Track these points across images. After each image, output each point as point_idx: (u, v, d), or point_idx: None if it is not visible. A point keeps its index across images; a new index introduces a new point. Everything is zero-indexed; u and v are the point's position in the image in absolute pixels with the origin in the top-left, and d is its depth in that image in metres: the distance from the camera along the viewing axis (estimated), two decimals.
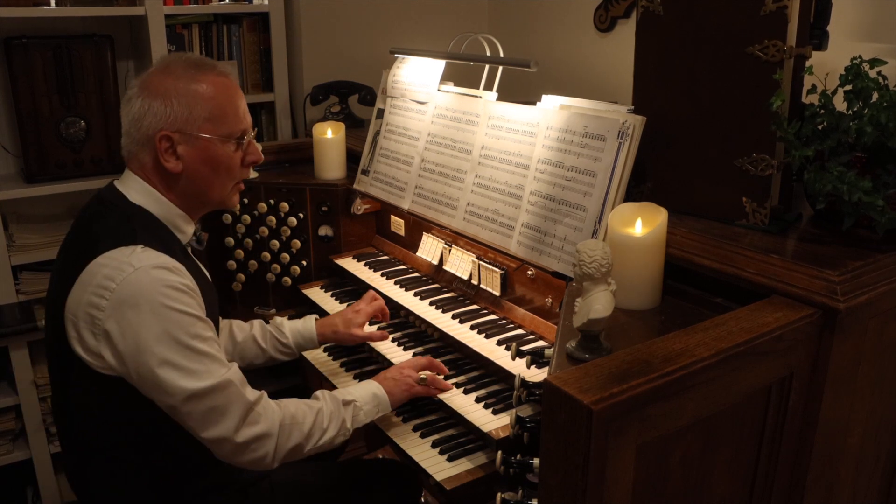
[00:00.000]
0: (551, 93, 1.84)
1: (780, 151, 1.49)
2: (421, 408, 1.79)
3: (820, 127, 1.47)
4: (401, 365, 1.77)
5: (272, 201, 2.37)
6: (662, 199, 1.54)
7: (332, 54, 3.02)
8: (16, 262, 2.55)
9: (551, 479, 1.08)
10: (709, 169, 1.58)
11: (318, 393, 1.62)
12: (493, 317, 1.94)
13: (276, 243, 2.39)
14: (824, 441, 1.36)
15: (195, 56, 1.55)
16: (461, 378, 1.80)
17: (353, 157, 2.45)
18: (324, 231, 2.41)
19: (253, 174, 2.40)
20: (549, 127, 1.78)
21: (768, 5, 1.42)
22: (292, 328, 1.94)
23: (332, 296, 2.29)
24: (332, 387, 1.88)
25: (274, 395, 1.56)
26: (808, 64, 1.48)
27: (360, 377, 1.93)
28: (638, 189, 1.70)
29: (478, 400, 1.70)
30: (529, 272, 1.85)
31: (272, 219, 2.37)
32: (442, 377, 1.77)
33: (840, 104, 1.45)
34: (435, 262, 2.17)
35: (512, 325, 1.89)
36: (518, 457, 1.37)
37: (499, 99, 1.98)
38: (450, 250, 2.11)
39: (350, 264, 2.34)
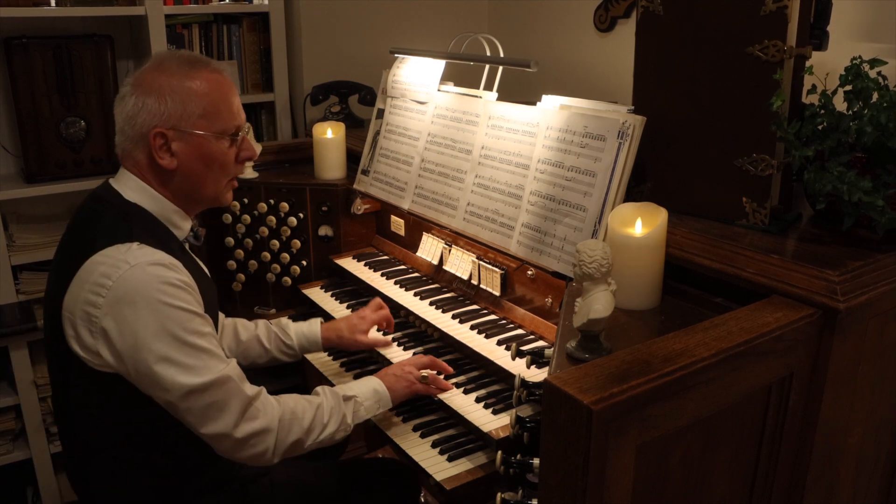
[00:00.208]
0: (551, 93, 1.84)
1: (780, 151, 1.49)
2: (421, 408, 1.79)
3: (820, 127, 1.47)
4: (402, 362, 1.77)
5: (272, 201, 2.37)
6: (662, 199, 1.54)
7: (332, 54, 3.02)
8: (16, 262, 2.55)
9: (551, 479, 1.08)
10: (709, 169, 1.58)
11: (319, 389, 1.62)
12: (493, 317, 1.94)
13: (276, 243, 2.39)
14: (824, 441, 1.36)
15: (188, 53, 1.55)
16: (461, 378, 1.80)
17: (353, 157, 2.45)
18: (324, 231, 2.41)
19: (253, 174, 2.41)
20: (549, 127, 1.78)
21: (768, 5, 1.42)
22: (297, 330, 1.93)
23: (332, 296, 2.29)
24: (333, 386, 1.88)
25: (274, 395, 1.56)
26: (808, 64, 1.48)
27: (361, 377, 1.92)
28: (638, 189, 1.70)
29: (478, 400, 1.70)
30: (529, 272, 1.85)
31: (272, 219, 2.37)
32: (443, 377, 1.77)
33: (840, 104, 1.45)
34: (435, 262, 2.17)
35: (512, 325, 1.89)
36: (518, 457, 1.37)
37: (499, 99, 1.98)
38: (450, 250, 2.11)
39: (350, 264, 2.34)
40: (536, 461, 1.32)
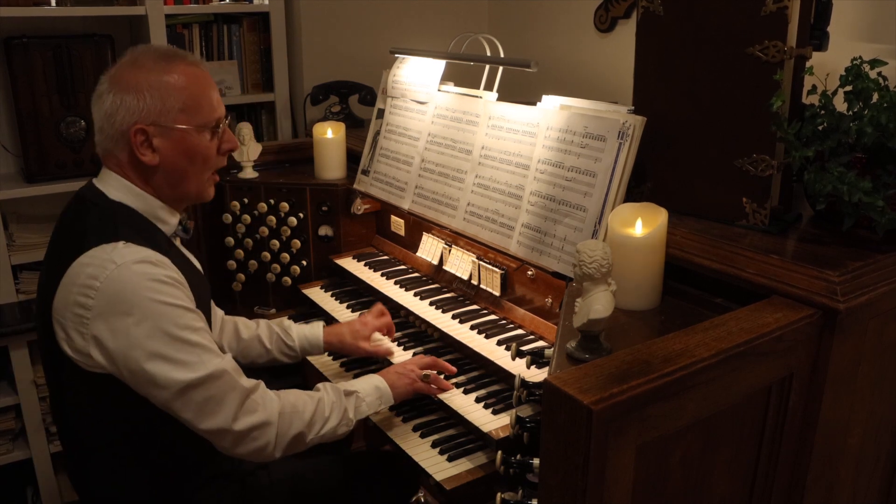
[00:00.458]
0: (551, 93, 1.84)
1: (780, 152, 1.49)
2: (421, 408, 1.79)
3: (820, 127, 1.47)
4: (405, 362, 1.77)
5: (272, 201, 2.37)
6: (662, 200, 1.54)
7: (332, 54, 3.02)
8: (16, 262, 2.55)
9: (551, 479, 1.08)
10: (709, 169, 1.59)
11: (320, 385, 1.62)
12: (493, 317, 1.94)
13: (276, 243, 2.39)
14: (824, 441, 1.36)
15: (163, 47, 1.54)
16: (461, 378, 1.80)
17: (353, 157, 2.45)
18: (324, 231, 2.41)
19: (253, 174, 2.41)
20: (550, 127, 1.78)
21: (768, 6, 1.43)
22: (299, 333, 1.93)
23: (332, 296, 2.29)
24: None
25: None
26: (808, 64, 1.48)
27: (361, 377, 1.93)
28: (638, 189, 1.70)
29: (478, 400, 1.70)
30: (529, 272, 1.85)
31: (272, 219, 2.37)
32: (443, 377, 1.77)
33: (840, 105, 1.45)
34: (435, 262, 2.17)
35: (512, 325, 1.89)
36: (518, 457, 1.37)
37: (499, 99, 1.98)
38: (450, 250, 2.11)
39: (350, 264, 2.34)
40: (536, 461, 1.32)
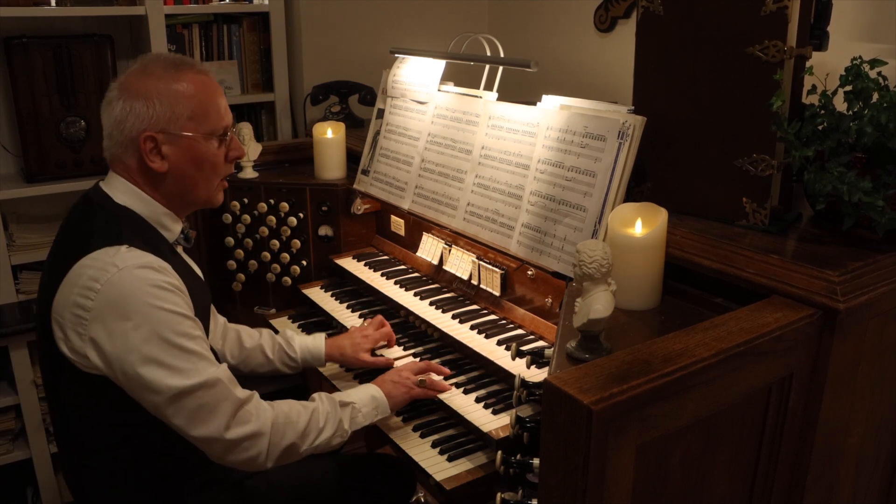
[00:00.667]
0: (551, 93, 1.84)
1: (780, 152, 1.49)
2: (421, 408, 1.79)
3: (820, 127, 1.47)
4: (399, 368, 1.77)
5: (272, 201, 2.37)
6: (662, 199, 1.54)
7: (332, 54, 3.02)
8: (16, 262, 2.55)
9: (551, 479, 1.08)
10: (709, 169, 1.59)
11: (315, 395, 1.62)
12: (493, 317, 1.94)
13: (276, 243, 2.39)
14: (824, 441, 1.36)
15: (172, 55, 1.56)
16: (461, 378, 1.80)
17: (353, 157, 2.45)
18: (324, 231, 2.41)
19: (253, 174, 2.41)
20: (550, 127, 1.78)
21: (768, 5, 1.43)
22: (302, 345, 1.93)
23: (332, 296, 2.29)
24: (333, 388, 1.88)
25: (274, 396, 1.56)
26: (808, 64, 1.48)
27: (361, 378, 1.93)
28: (638, 189, 1.70)
29: (478, 400, 1.70)
30: (529, 272, 1.85)
31: (272, 219, 2.37)
32: (441, 378, 1.77)
33: (840, 105, 1.45)
34: (435, 262, 2.17)
35: (512, 325, 1.89)
36: (518, 457, 1.37)
37: (499, 99, 1.98)
38: (450, 250, 2.11)
39: (350, 264, 2.34)
40: (536, 461, 1.32)
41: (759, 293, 1.35)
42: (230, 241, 2.42)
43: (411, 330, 2.04)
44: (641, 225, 1.46)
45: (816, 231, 1.53)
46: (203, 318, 1.52)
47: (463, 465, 1.58)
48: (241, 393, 1.45)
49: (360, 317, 2.14)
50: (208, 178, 1.55)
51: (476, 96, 2.05)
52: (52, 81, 2.52)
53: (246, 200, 2.38)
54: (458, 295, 2.07)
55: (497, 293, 1.96)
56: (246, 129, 2.39)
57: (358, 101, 2.89)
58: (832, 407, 1.34)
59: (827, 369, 1.30)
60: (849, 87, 1.44)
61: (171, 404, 1.37)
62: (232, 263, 2.43)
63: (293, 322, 2.24)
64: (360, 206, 2.37)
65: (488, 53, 2.11)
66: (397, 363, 1.87)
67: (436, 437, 1.68)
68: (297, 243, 2.38)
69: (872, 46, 1.84)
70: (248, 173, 2.40)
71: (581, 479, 1.03)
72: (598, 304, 1.25)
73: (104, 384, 1.39)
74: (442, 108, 2.13)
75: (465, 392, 1.74)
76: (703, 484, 1.23)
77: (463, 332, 1.87)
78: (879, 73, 1.43)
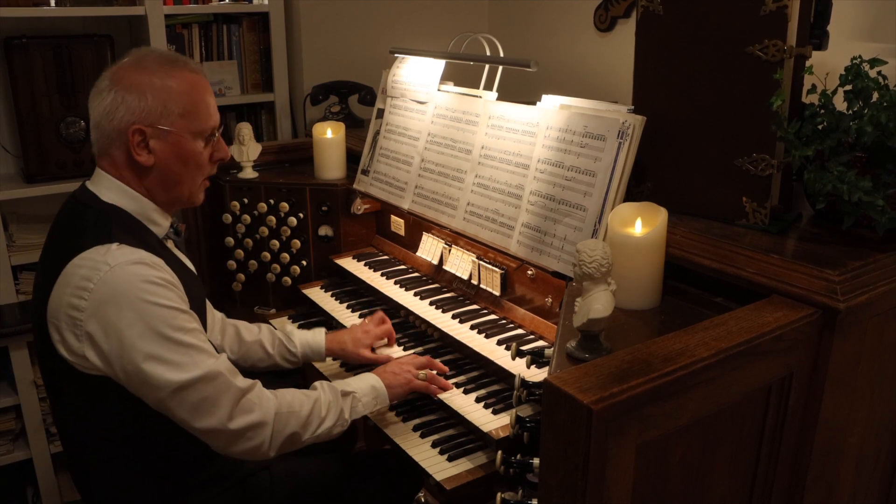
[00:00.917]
0: (551, 93, 1.83)
1: (780, 151, 1.49)
2: (421, 408, 1.79)
3: (820, 127, 1.47)
4: (400, 360, 1.77)
5: (272, 201, 2.37)
6: (662, 199, 1.54)
7: (332, 54, 3.02)
8: (16, 262, 2.56)
9: (551, 479, 1.08)
10: (709, 169, 1.58)
11: (317, 383, 1.62)
12: (493, 317, 1.94)
13: (276, 243, 2.39)
14: (824, 441, 1.36)
15: (166, 52, 1.56)
16: (461, 378, 1.80)
17: (353, 157, 2.45)
18: (324, 231, 2.41)
19: (253, 174, 2.41)
20: (549, 127, 1.78)
21: (768, 5, 1.42)
22: (302, 339, 1.93)
23: (332, 296, 2.29)
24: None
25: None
26: (808, 64, 1.48)
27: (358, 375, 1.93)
28: (638, 189, 1.70)
29: (478, 400, 1.70)
30: (529, 272, 1.85)
31: (272, 219, 2.37)
32: (442, 376, 1.77)
33: (840, 104, 1.45)
34: (435, 262, 2.17)
35: (512, 325, 1.89)
36: (518, 457, 1.37)
37: (499, 99, 1.98)
38: (450, 250, 2.11)
39: (350, 264, 2.34)
40: (536, 461, 1.32)
41: (759, 293, 1.35)
42: (230, 241, 2.42)
43: (411, 330, 2.04)
44: (641, 224, 1.46)
45: (816, 230, 1.53)
46: (198, 310, 1.52)
47: (463, 465, 1.58)
48: (243, 382, 1.45)
49: (360, 317, 2.14)
50: (192, 175, 1.55)
51: (476, 96, 2.05)
52: (52, 81, 2.53)
53: (246, 200, 2.38)
54: (458, 295, 2.07)
55: (497, 293, 1.96)
56: (246, 129, 2.39)
57: (358, 101, 2.89)
58: (832, 407, 1.34)
59: (827, 369, 1.29)
60: (849, 87, 1.44)
61: (172, 398, 1.37)
62: (232, 263, 2.43)
63: (293, 322, 2.24)
64: (360, 206, 2.37)
65: (488, 53, 2.11)
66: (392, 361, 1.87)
67: (436, 436, 1.68)
68: (297, 243, 2.38)
69: (872, 46, 1.84)
70: (248, 173, 2.40)
71: (581, 479, 1.03)
72: (598, 303, 1.25)
73: (105, 384, 1.39)
74: (442, 107, 2.13)
75: (465, 392, 1.74)
76: (703, 484, 1.23)
77: (463, 332, 1.87)
78: (879, 73, 1.43)
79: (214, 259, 2.44)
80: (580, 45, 2.82)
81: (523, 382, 1.48)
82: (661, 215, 1.45)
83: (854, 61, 1.43)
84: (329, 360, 2.03)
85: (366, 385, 1.66)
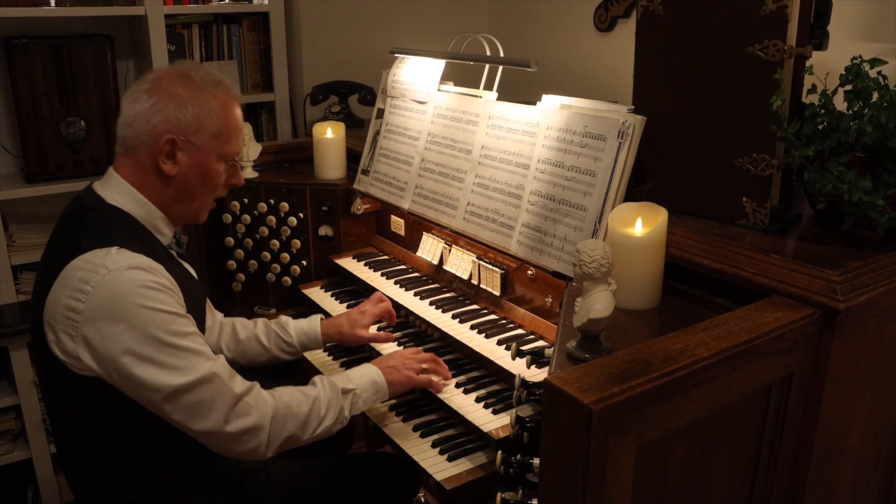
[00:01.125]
0: (551, 93, 1.83)
1: (780, 151, 1.49)
2: (421, 407, 1.79)
3: (820, 127, 1.47)
4: (404, 353, 1.76)
5: (272, 201, 2.37)
6: (662, 199, 1.53)
7: (332, 54, 3.02)
8: (16, 262, 2.56)
9: (551, 479, 1.08)
10: (709, 169, 1.58)
11: (316, 379, 1.61)
12: (493, 317, 1.94)
13: (276, 243, 2.39)
14: (824, 441, 1.36)
15: (212, 70, 1.58)
16: (461, 378, 1.80)
17: (353, 157, 2.45)
18: (324, 231, 2.41)
19: (253, 174, 2.41)
20: (549, 127, 1.78)
21: (768, 5, 1.42)
22: (297, 327, 1.93)
23: (332, 296, 2.29)
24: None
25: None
26: (808, 64, 1.48)
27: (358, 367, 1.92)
28: (638, 189, 1.70)
29: (478, 400, 1.70)
30: (529, 272, 1.85)
31: (272, 219, 2.37)
32: (440, 380, 1.76)
33: (840, 104, 1.45)
34: (435, 261, 2.17)
35: (512, 325, 1.89)
36: (518, 457, 1.37)
37: (499, 99, 1.98)
38: (450, 250, 2.11)
39: (350, 264, 2.34)
40: (536, 461, 1.32)
41: (759, 293, 1.35)
42: (230, 241, 2.42)
43: (411, 330, 2.04)
44: (641, 224, 1.46)
45: (816, 231, 1.53)
46: (198, 315, 1.52)
47: (463, 465, 1.58)
48: (240, 386, 1.45)
49: None
50: (206, 194, 1.58)
51: (476, 96, 2.05)
52: (51, 81, 2.53)
53: (246, 200, 2.38)
54: (458, 295, 2.07)
55: (497, 293, 1.96)
56: (246, 129, 2.39)
57: (358, 101, 2.89)
58: (832, 407, 1.34)
59: (827, 369, 1.29)
60: (849, 87, 1.44)
61: (168, 401, 1.37)
62: (232, 263, 2.43)
63: None
64: (360, 206, 2.37)
65: (488, 53, 2.11)
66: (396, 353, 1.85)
67: (436, 436, 1.68)
68: (297, 243, 2.38)
69: (872, 46, 1.84)
70: (248, 173, 2.40)
71: (581, 479, 1.03)
72: (598, 303, 1.25)
73: (99, 386, 1.39)
74: (442, 107, 2.13)
75: (465, 392, 1.74)
76: (703, 484, 1.23)
77: (463, 332, 1.87)
78: (879, 73, 1.43)
79: (214, 259, 2.44)
80: (580, 45, 2.82)
81: (523, 382, 1.48)
82: (661, 215, 1.45)
83: (854, 61, 1.43)
84: (329, 358, 2.03)
85: (366, 380, 1.65)
